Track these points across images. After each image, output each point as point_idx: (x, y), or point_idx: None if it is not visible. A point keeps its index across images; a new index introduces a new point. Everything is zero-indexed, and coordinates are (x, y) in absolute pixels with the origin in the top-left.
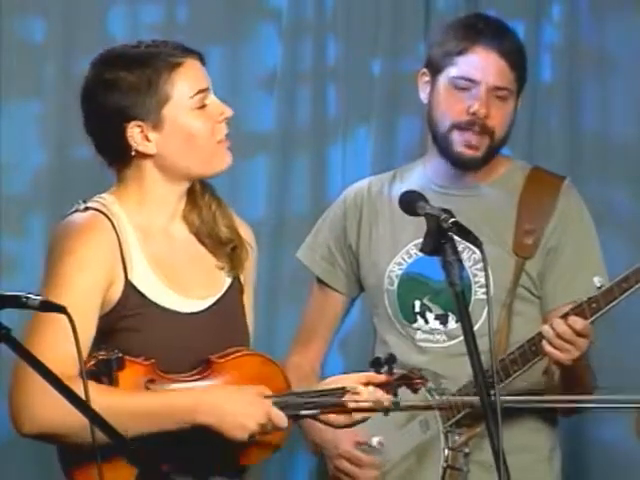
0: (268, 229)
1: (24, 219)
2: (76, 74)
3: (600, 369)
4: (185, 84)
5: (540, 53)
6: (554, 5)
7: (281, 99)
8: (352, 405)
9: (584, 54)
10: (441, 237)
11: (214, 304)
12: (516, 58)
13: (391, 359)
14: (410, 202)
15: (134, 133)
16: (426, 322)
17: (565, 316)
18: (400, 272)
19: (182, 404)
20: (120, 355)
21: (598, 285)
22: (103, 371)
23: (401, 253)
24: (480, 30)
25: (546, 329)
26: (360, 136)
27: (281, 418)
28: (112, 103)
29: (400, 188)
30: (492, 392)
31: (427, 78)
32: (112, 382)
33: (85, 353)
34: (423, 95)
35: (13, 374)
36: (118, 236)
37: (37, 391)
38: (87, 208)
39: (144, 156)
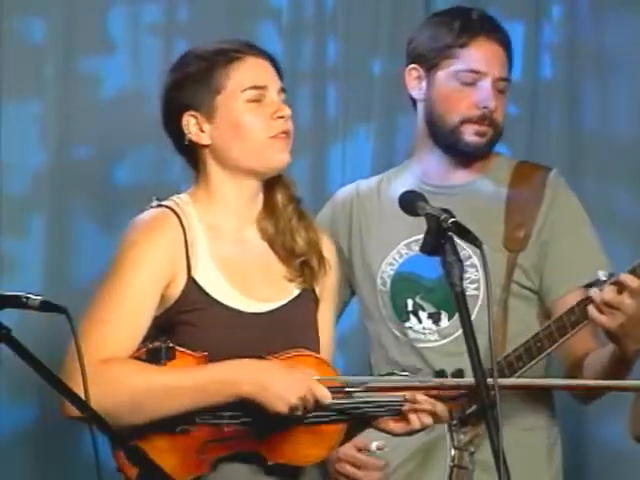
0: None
1: (24, 219)
2: (76, 74)
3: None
4: (240, 77)
5: (540, 53)
6: (554, 5)
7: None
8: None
9: (584, 54)
10: (441, 237)
11: (278, 309)
12: (510, 48)
13: (459, 374)
14: (410, 202)
15: (189, 123)
16: (419, 321)
17: (615, 283)
18: (392, 272)
19: (226, 376)
20: (170, 345)
21: (603, 278)
22: (152, 360)
23: (392, 253)
24: (477, 22)
25: (594, 291)
26: (360, 136)
27: (324, 392)
28: (172, 95)
29: (389, 189)
30: (492, 393)
31: (418, 74)
32: None
33: (137, 341)
34: (415, 92)
35: (64, 359)
36: (185, 233)
37: (75, 377)
38: (159, 206)
39: (202, 147)
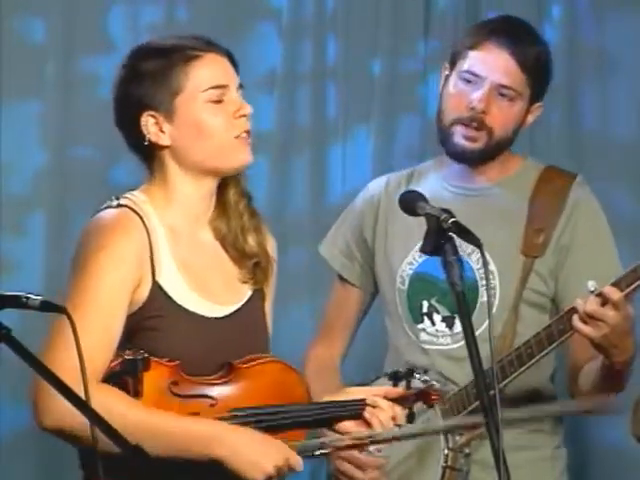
0: (268, 229)
1: (24, 219)
2: (76, 74)
3: None
4: (200, 77)
5: None
6: (554, 5)
7: (281, 99)
8: (373, 421)
9: (584, 54)
10: (441, 237)
11: (237, 311)
12: (531, 61)
13: (409, 373)
14: (410, 202)
15: (148, 123)
16: (432, 323)
17: (599, 295)
18: (411, 272)
19: (202, 432)
20: (146, 356)
21: (592, 289)
22: (129, 371)
23: (412, 252)
24: (496, 27)
25: (578, 302)
26: (360, 136)
27: (298, 462)
28: (129, 92)
29: (416, 186)
30: (492, 392)
31: (447, 72)
32: (137, 382)
33: (112, 350)
34: (440, 87)
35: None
36: (149, 235)
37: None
38: (119, 205)
39: (161, 148)
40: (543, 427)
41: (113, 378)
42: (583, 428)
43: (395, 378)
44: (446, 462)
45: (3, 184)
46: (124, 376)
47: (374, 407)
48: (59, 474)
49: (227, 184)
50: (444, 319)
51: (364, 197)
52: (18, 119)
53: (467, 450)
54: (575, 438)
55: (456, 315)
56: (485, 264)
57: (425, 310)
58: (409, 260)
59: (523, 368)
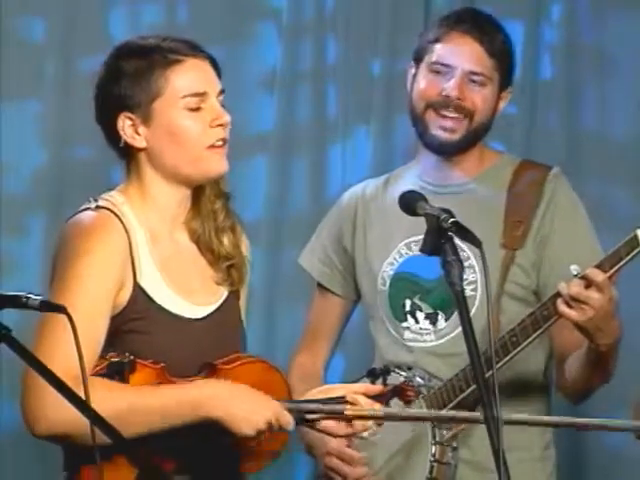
0: (267, 229)
1: (24, 219)
2: (76, 74)
3: None
4: (179, 83)
5: (540, 53)
6: (554, 5)
7: (281, 99)
8: (351, 414)
9: (584, 53)
10: (441, 237)
11: (214, 311)
12: (497, 46)
13: (386, 370)
14: (410, 202)
15: (125, 125)
16: (416, 321)
17: (583, 277)
18: (392, 272)
19: (194, 398)
20: (132, 358)
21: (575, 273)
22: (115, 373)
23: (393, 253)
24: (459, 18)
25: (562, 285)
26: (360, 136)
27: (288, 419)
28: (108, 91)
29: (394, 190)
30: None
31: (413, 70)
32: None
33: (96, 355)
34: (408, 86)
35: (23, 377)
36: (129, 237)
37: (49, 393)
38: (98, 207)
39: (137, 150)
40: (532, 427)
41: None
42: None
43: (372, 375)
44: (434, 456)
45: (3, 184)
46: (110, 378)
47: (353, 404)
48: (59, 474)
49: (202, 184)
50: (427, 316)
51: (341, 206)
52: (18, 119)
53: (454, 444)
54: (572, 438)
55: (439, 311)
56: (485, 264)
57: (408, 309)
58: (390, 261)
59: (508, 357)
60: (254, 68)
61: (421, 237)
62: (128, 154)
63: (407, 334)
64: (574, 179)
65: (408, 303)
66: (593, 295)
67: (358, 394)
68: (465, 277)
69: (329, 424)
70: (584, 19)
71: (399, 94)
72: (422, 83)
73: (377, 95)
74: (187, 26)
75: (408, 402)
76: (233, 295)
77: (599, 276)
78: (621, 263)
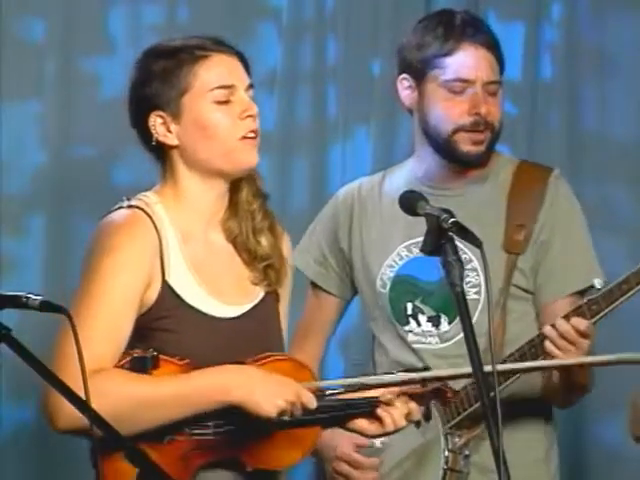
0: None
1: (24, 219)
2: (76, 74)
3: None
4: (207, 76)
5: (540, 53)
6: (554, 5)
7: (281, 99)
8: (385, 419)
9: (584, 54)
10: (441, 237)
11: (248, 312)
12: (498, 49)
13: (425, 369)
14: (410, 202)
15: (156, 123)
16: (418, 324)
17: (567, 316)
18: (392, 275)
19: (214, 384)
20: (155, 354)
21: (598, 287)
22: (137, 369)
23: (392, 255)
24: (460, 27)
25: (548, 329)
26: (360, 136)
27: (310, 398)
28: (138, 93)
29: (389, 188)
30: (492, 393)
31: (409, 84)
32: None
33: (120, 350)
34: (407, 101)
35: (56, 362)
36: (159, 236)
37: (70, 382)
38: (130, 206)
39: (170, 148)
40: (539, 425)
41: None
42: (580, 427)
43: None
44: (447, 464)
45: (3, 184)
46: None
47: (388, 405)
48: (59, 474)
49: (240, 184)
50: (430, 319)
51: (336, 204)
52: (18, 119)
53: (467, 452)
54: (572, 438)
55: (441, 314)
56: (485, 263)
57: (410, 312)
58: (389, 263)
59: (502, 386)
60: (254, 68)
61: (421, 239)
62: (162, 154)
63: (410, 337)
64: (574, 179)
65: (410, 306)
66: (580, 340)
67: (392, 394)
68: (469, 280)
69: (363, 424)
70: (584, 19)
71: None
72: (441, 105)
73: (377, 95)
74: (187, 26)
75: (446, 404)
76: (271, 296)
77: (582, 324)
78: (601, 314)
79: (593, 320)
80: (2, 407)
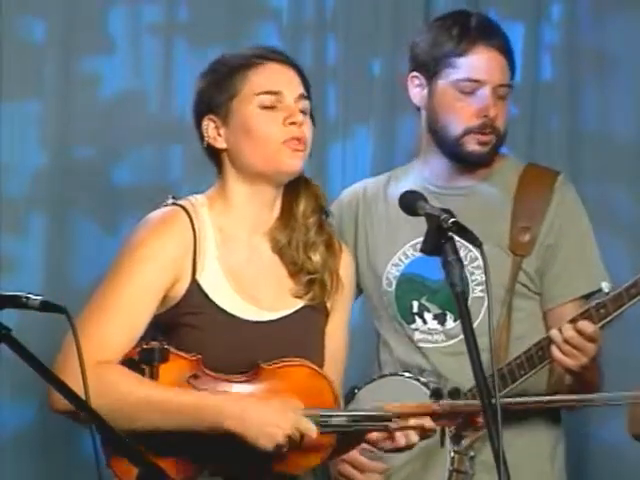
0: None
1: (24, 219)
2: (76, 74)
3: (606, 368)
4: (256, 81)
5: (540, 53)
6: (554, 5)
7: None
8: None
9: (584, 54)
10: (441, 237)
11: (281, 318)
12: (511, 53)
13: (455, 392)
14: (410, 202)
15: (208, 127)
16: (424, 322)
17: (573, 321)
18: (397, 273)
19: (210, 405)
20: (165, 347)
21: (606, 290)
22: (144, 360)
23: (398, 254)
24: (476, 28)
25: (555, 334)
26: (360, 136)
27: (309, 427)
28: (198, 99)
29: (395, 190)
30: (493, 393)
31: (419, 82)
32: (152, 373)
33: (133, 341)
34: (417, 99)
35: (56, 358)
36: (195, 234)
37: (70, 374)
38: (174, 204)
39: (221, 152)
40: (544, 424)
41: (131, 365)
42: (581, 426)
43: (437, 395)
44: (452, 465)
45: (3, 184)
46: (139, 365)
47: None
48: (59, 473)
49: (299, 197)
50: (435, 317)
51: (340, 206)
52: (18, 119)
53: (472, 453)
54: (573, 436)
55: (447, 312)
56: (485, 263)
57: (416, 310)
58: (394, 262)
59: (533, 371)
60: None
61: None
62: (216, 158)
63: (417, 335)
64: (574, 180)
65: (415, 304)
66: (586, 344)
67: (421, 417)
68: (474, 278)
69: (375, 437)
70: (584, 20)
71: (399, 94)
72: (452, 105)
73: (377, 95)
74: (187, 26)
75: (477, 429)
76: (312, 309)
77: (589, 328)
78: (609, 317)
79: (600, 324)
80: (2, 407)
